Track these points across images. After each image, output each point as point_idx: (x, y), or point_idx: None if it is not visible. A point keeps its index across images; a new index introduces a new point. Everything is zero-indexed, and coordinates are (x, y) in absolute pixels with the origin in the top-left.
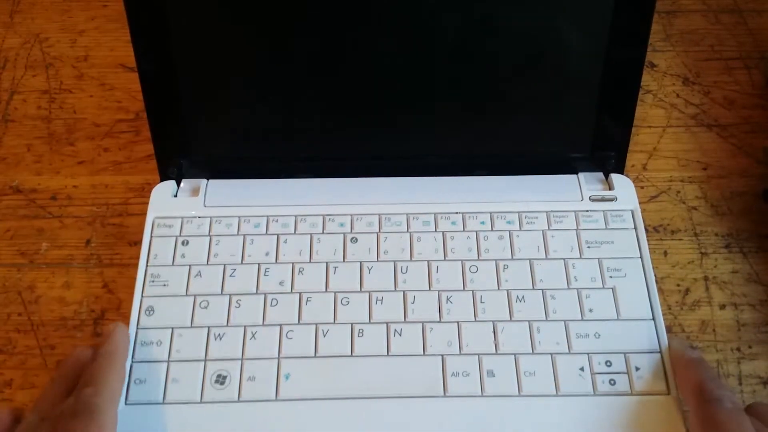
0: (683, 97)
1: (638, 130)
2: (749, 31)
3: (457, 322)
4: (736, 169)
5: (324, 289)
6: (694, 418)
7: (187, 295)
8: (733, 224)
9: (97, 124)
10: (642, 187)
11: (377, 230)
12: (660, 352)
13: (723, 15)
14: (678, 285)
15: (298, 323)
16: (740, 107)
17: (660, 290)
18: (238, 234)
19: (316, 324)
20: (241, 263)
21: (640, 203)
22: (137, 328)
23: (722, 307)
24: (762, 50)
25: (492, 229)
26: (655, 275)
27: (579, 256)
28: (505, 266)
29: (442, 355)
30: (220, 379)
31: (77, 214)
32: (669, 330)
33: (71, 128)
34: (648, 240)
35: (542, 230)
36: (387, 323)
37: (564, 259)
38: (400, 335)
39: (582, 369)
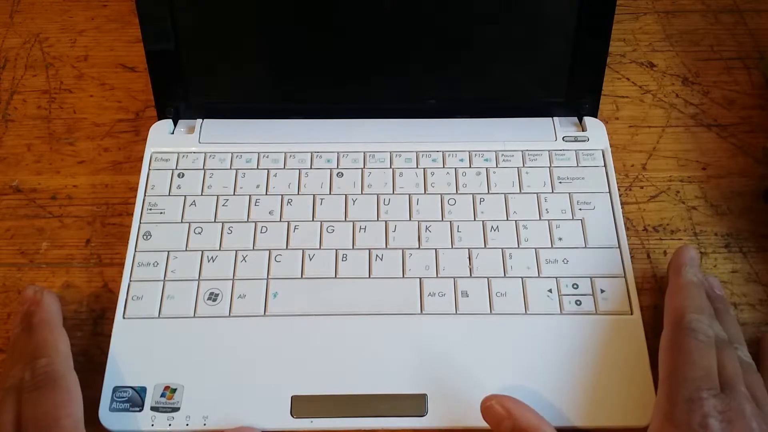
0: (683, 96)
1: (638, 130)
2: (749, 31)
3: (435, 249)
4: (736, 169)
5: (311, 219)
6: (666, 339)
7: (182, 222)
8: (733, 224)
9: (97, 124)
10: (641, 187)
11: (362, 166)
12: (624, 276)
13: (722, 15)
14: None
15: (286, 248)
16: (740, 107)
17: (660, 290)
18: (230, 168)
19: (303, 249)
20: (234, 194)
21: (639, 203)
22: (135, 251)
23: None
24: (762, 50)
25: (470, 166)
26: (622, 208)
27: (551, 191)
28: (482, 199)
29: (420, 278)
30: (213, 297)
31: (77, 214)
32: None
33: (71, 128)
34: (648, 240)
35: (517, 167)
36: (369, 249)
37: (537, 193)
38: (381, 260)
39: (550, 291)
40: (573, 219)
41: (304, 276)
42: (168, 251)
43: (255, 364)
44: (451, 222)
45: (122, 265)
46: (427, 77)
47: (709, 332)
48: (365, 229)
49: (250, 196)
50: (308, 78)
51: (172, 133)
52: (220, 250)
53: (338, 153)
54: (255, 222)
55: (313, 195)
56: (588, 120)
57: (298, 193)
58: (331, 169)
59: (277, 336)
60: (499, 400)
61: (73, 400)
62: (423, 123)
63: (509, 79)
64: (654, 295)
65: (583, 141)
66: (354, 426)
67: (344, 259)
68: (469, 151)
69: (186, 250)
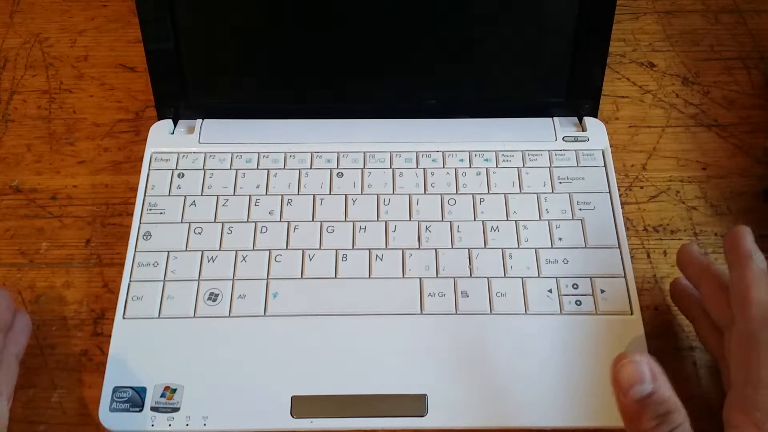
0: (683, 97)
1: (638, 130)
2: (749, 31)
3: (435, 249)
4: (736, 169)
5: (311, 219)
6: (742, 333)
7: (182, 222)
8: (733, 224)
9: (97, 124)
10: (642, 188)
11: (362, 166)
12: (624, 276)
13: (722, 15)
14: None
15: (286, 248)
16: (740, 107)
17: (660, 290)
18: (230, 168)
19: (303, 249)
20: (234, 194)
21: (639, 203)
22: (135, 251)
23: None
24: (762, 50)
25: (470, 166)
26: (622, 208)
27: (551, 191)
28: (482, 200)
29: (420, 278)
30: (213, 297)
31: (77, 214)
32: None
33: (71, 128)
34: (648, 240)
35: (517, 167)
36: (369, 249)
37: (537, 193)
38: (381, 260)
39: (550, 291)
40: (573, 219)
41: (304, 276)
42: (168, 251)
43: (255, 364)
44: (451, 222)
45: (122, 265)
46: (428, 77)
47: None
48: (365, 229)
49: (250, 196)
50: (308, 78)
51: (172, 133)
52: (220, 250)
53: (338, 153)
54: (255, 222)
55: (313, 195)
56: (588, 120)
57: (298, 193)
58: (331, 169)
59: (277, 336)
60: (650, 362)
61: None
62: (423, 123)
63: (509, 80)
64: (654, 295)
65: (583, 141)
66: (354, 426)
67: (344, 259)
68: (469, 151)
69: (186, 250)
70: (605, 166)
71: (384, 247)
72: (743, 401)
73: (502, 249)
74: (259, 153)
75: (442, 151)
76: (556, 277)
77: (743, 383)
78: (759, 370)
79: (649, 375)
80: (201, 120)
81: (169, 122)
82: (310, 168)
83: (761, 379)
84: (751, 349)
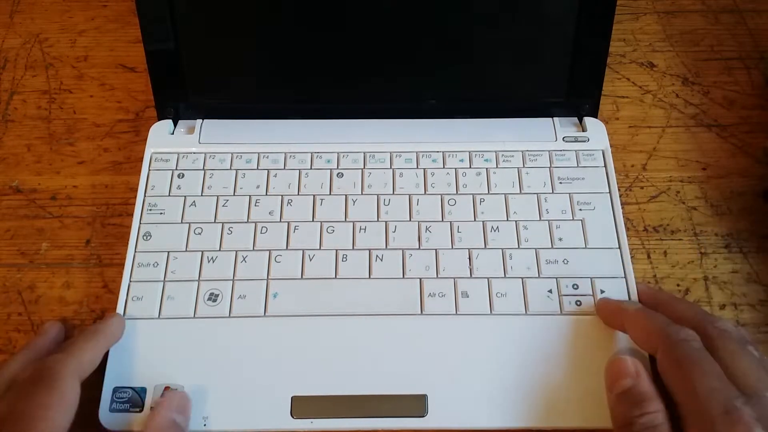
0: (683, 97)
1: (638, 130)
2: (749, 31)
3: (435, 249)
4: (736, 169)
5: (311, 219)
6: (665, 361)
7: (182, 222)
8: (733, 224)
9: (97, 124)
10: (642, 188)
11: (362, 166)
12: (624, 277)
13: (722, 15)
14: (678, 285)
15: (286, 249)
16: (740, 107)
17: (660, 291)
18: (230, 168)
19: (303, 250)
20: (234, 195)
21: (639, 203)
22: (135, 251)
23: (722, 307)
24: (762, 50)
25: (470, 167)
26: (623, 208)
27: (551, 191)
28: (482, 200)
29: (420, 278)
30: (213, 297)
31: (77, 214)
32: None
33: (71, 128)
34: (648, 240)
35: (517, 168)
36: (369, 250)
37: (537, 193)
38: (382, 260)
39: (550, 291)
40: (573, 219)
41: (304, 276)
42: (168, 251)
43: (255, 365)
44: (451, 222)
45: (122, 265)
46: (428, 77)
47: (694, 334)
48: (365, 229)
49: (250, 196)
50: (308, 78)
51: (172, 133)
52: (220, 250)
53: (338, 153)
54: (255, 222)
55: (313, 195)
56: (588, 120)
57: (298, 194)
58: (331, 169)
59: (277, 336)
60: (635, 361)
61: (62, 406)
62: (423, 123)
63: (509, 80)
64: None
65: (584, 141)
66: (354, 426)
67: (344, 259)
68: (469, 152)
69: (186, 251)
70: (605, 166)
71: (384, 247)
72: None
73: (502, 249)
74: (259, 153)
75: (442, 152)
76: (556, 278)
77: None
78: None
79: (633, 371)
80: (201, 120)
81: (169, 122)
82: (310, 168)
83: None
84: (671, 374)
